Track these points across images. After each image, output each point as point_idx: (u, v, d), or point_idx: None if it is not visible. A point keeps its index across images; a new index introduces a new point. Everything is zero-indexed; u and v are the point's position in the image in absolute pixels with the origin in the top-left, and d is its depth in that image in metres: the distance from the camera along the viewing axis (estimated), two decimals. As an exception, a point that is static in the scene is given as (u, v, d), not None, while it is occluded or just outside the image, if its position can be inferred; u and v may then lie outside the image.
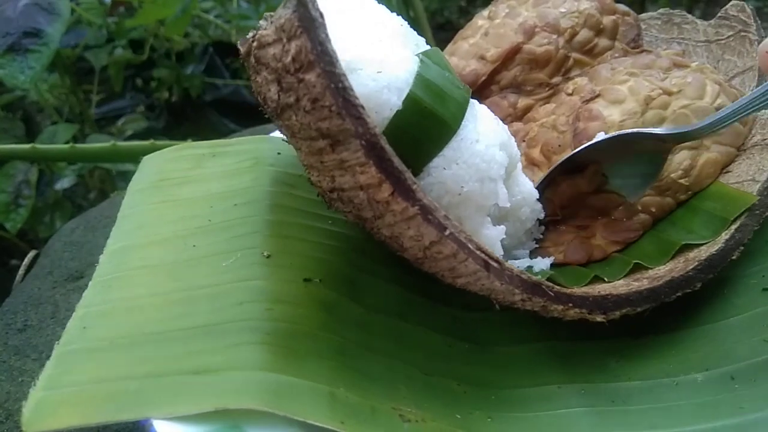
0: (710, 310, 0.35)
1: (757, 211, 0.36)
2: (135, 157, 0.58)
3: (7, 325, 0.45)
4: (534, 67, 0.44)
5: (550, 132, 0.42)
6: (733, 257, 0.34)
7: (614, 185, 0.39)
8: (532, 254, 0.40)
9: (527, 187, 0.38)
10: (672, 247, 0.37)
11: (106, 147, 0.70)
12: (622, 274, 0.36)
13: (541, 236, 0.41)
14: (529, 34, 0.44)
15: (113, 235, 0.37)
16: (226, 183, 0.40)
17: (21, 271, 0.53)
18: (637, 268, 0.37)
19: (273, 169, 0.41)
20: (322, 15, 0.25)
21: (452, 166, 0.32)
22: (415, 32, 0.36)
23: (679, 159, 0.39)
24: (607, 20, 0.45)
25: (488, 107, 0.38)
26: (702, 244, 0.36)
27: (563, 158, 0.40)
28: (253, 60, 0.29)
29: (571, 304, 0.31)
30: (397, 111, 0.30)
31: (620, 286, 0.35)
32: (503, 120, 0.41)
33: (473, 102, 0.35)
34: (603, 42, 0.45)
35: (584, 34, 0.45)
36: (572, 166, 0.40)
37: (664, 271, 0.35)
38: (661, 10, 0.49)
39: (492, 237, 0.34)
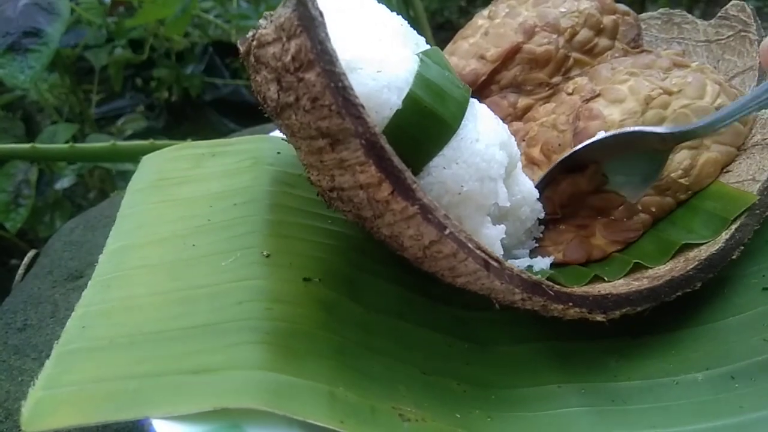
0: (710, 310, 0.35)
1: (758, 211, 0.36)
2: (135, 156, 0.58)
3: (6, 325, 0.45)
4: (534, 67, 0.44)
5: (550, 131, 0.42)
6: (733, 257, 0.34)
7: (614, 185, 0.39)
8: (532, 253, 0.40)
9: (527, 186, 0.38)
10: (672, 247, 0.37)
11: (105, 147, 0.70)
12: (622, 273, 0.36)
13: (541, 235, 0.41)
14: (529, 33, 0.44)
15: (113, 235, 0.37)
16: (226, 182, 0.40)
17: (21, 271, 0.53)
18: (637, 267, 0.37)
19: (273, 169, 0.41)
20: (321, 14, 0.25)
21: (452, 165, 0.32)
22: (415, 32, 0.36)
23: (680, 158, 0.39)
24: (607, 20, 0.45)
25: (488, 107, 0.38)
26: (702, 244, 0.36)
27: (563, 156, 0.40)
28: (252, 59, 0.29)
29: (571, 304, 0.31)
30: (397, 110, 0.30)
31: (620, 285, 0.35)
32: (503, 119, 0.41)
33: (473, 101, 0.35)
34: (603, 42, 0.45)
35: (584, 33, 0.45)
36: (572, 166, 0.40)
37: (664, 271, 0.35)
38: (661, 10, 0.49)
39: (492, 236, 0.34)
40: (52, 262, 0.51)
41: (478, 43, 0.45)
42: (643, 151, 0.38)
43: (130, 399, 0.26)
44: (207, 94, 1.23)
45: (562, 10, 0.45)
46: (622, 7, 0.47)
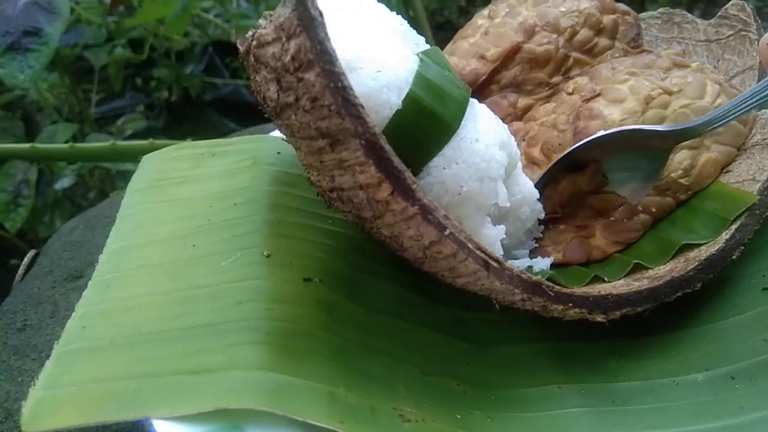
0: (710, 310, 0.35)
1: (758, 211, 0.36)
2: (134, 156, 0.58)
3: (6, 325, 0.45)
4: (534, 67, 0.44)
5: (550, 131, 0.42)
6: (734, 257, 0.34)
7: (615, 185, 0.39)
8: (532, 254, 0.40)
9: (527, 186, 0.38)
10: (672, 247, 0.36)
11: (105, 146, 0.70)
12: (623, 274, 0.36)
13: (541, 235, 0.41)
14: (529, 33, 0.44)
15: (113, 235, 0.37)
16: (226, 182, 0.40)
17: (20, 271, 0.53)
18: (638, 268, 0.37)
19: (272, 169, 0.41)
20: (321, 14, 0.25)
21: (452, 165, 0.32)
22: (415, 31, 0.36)
23: (680, 158, 0.39)
24: (607, 19, 0.45)
25: (488, 107, 0.38)
26: (702, 244, 0.36)
27: (562, 155, 0.40)
28: (252, 59, 0.29)
29: (571, 304, 0.31)
30: (397, 110, 0.30)
31: (620, 286, 0.35)
32: (503, 119, 0.41)
33: (473, 101, 0.35)
34: (603, 41, 0.45)
35: (584, 33, 0.45)
36: (572, 165, 0.40)
37: (664, 271, 0.35)
38: (661, 10, 0.49)
39: (492, 237, 0.34)
40: (52, 262, 0.51)
41: (478, 42, 0.45)
42: (642, 150, 0.38)
43: (131, 399, 0.26)
44: (207, 94, 1.23)
45: (562, 9, 0.45)
46: (622, 6, 0.47)
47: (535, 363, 0.34)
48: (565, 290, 0.32)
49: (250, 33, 0.30)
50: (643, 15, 0.49)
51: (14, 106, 0.99)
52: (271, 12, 0.28)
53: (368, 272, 0.36)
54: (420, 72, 0.32)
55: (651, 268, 0.36)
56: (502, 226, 0.35)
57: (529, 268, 0.38)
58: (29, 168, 0.77)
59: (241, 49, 0.31)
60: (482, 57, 0.45)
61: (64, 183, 0.84)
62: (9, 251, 0.90)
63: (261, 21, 0.29)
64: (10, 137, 0.86)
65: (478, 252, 0.29)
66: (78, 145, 0.72)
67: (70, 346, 0.29)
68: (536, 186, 0.39)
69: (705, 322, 0.35)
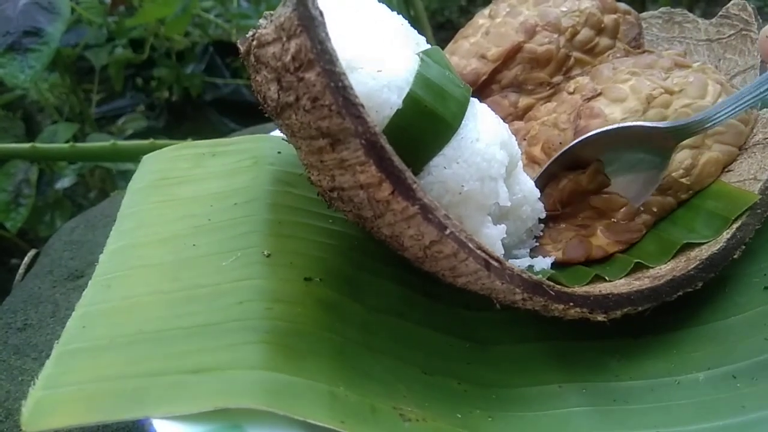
0: (711, 309, 0.35)
1: (759, 210, 0.36)
2: (135, 156, 0.58)
3: (7, 324, 0.45)
4: (535, 66, 0.44)
5: (551, 130, 0.42)
6: (735, 256, 0.34)
7: (617, 187, 0.39)
8: (532, 252, 0.40)
9: (528, 185, 0.38)
10: (673, 247, 0.36)
11: (106, 146, 0.70)
12: (624, 273, 0.36)
13: (541, 234, 0.41)
14: (530, 33, 0.44)
15: (113, 235, 0.37)
16: (226, 182, 0.40)
17: (21, 270, 0.53)
18: (639, 267, 0.36)
19: (273, 168, 0.41)
20: (321, 14, 0.25)
21: (452, 165, 0.32)
22: (416, 31, 0.36)
23: (681, 158, 0.39)
24: (608, 19, 0.45)
25: (489, 106, 0.38)
26: (703, 243, 0.36)
27: (562, 150, 0.39)
28: (252, 59, 0.29)
29: (572, 304, 0.31)
30: (398, 110, 0.30)
31: (621, 285, 0.35)
32: (504, 119, 0.41)
33: (474, 101, 0.35)
34: (604, 41, 0.45)
35: (585, 33, 0.45)
36: (574, 164, 0.40)
37: (665, 270, 0.35)
38: (662, 9, 0.49)
39: (492, 236, 0.34)
40: (52, 262, 0.51)
41: (479, 42, 0.45)
42: (643, 148, 0.38)
43: (131, 399, 0.26)
44: (207, 94, 1.23)
45: (563, 9, 0.45)
46: (623, 6, 0.47)
47: (536, 362, 0.34)
48: (565, 290, 0.32)
49: (250, 33, 0.30)
50: (644, 14, 0.49)
51: (15, 106, 0.99)
52: (272, 12, 0.28)
53: (369, 271, 0.36)
54: (420, 72, 0.32)
55: (652, 268, 0.36)
56: (503, 225, 0.35)
57: (530, 267, 0.38)
58: (30, 168, 0.77)
59: (242, 49, 0.31)
60: (483, 56, 0.44)
61: (64, 183, 0.84)
62: (9, 251, 0.90)
63: (261, 21, 0.29)
64: (11, 137, 0.86)
65: (478, 251, 0.29)
66: (78, 144, 0.72)
67: (70, 346, 0.29)
68: (536, 183, 0.39)
69: (706, 322, 0.35)
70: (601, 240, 0.39)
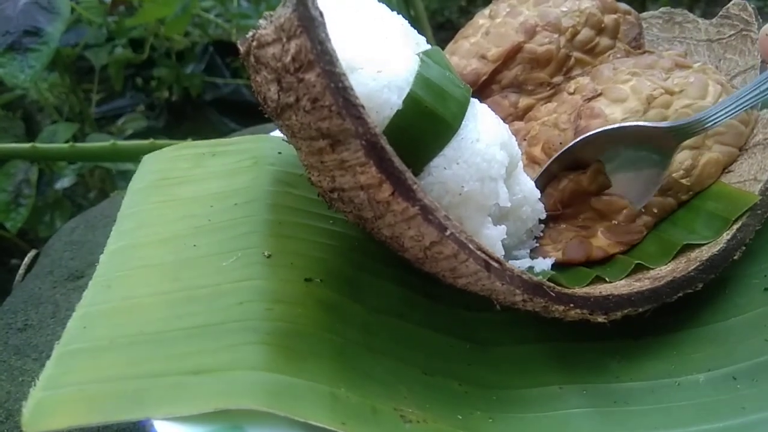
0: (712, 311, 0.35)
1: (759, 211, 0.35)
2: (135, 156, 0.58)
3: (7, 325, 0.45)
4: (535, 67, 0.44)
5: (551, 130, 0.42)
6: (735, 257, 0.34)
7: (618, 188, 0.39)
8: (533, 253, 0.40)
9: (528, 186, 0.38)
10: (673, 248, 0.36)
11: (106, 146, 0.70)
12: (624, 274, 0.36)
13: (542, 234, 0.41)
14: (530, 33, 0.44)
15: (113, 235, 0.37)
16: (226, 182, 0.40)
17: (21, 271, 0.53)
18: (639, 268, 0.36)
19: (273, 169, 0.41)
20: (321, 14, 0.25)
21: (453, 165, 0.32)
22: (416, 31, 0.36)
23: (681, 158, 0.39)
24: (608, 19, 0.45)
25: (489, 106, 0.38)
26: (703, 244, 0.36)
27: (562, 150, 0.39)
28: (252, 59, 0.29)
29: (572, 305, 0.31)
30: (398, 110, 0.30)
31: (622, 286, 0.35)
32: (504, 119, 0.41)
33: (474, 101, 0.35)
34: (604, 41, 0.45)
35: (585, 33, 0.44)
36: (574, 164, 0.40)
37: (665, 272, 0.35)
38: (662, 9, 0.49)
39: (493, 237, 0.34)
40: (52, 262, 0.51)
41: (479, 42, 0.45)
42: (643, 148, 0.38)
43: (131, 399, 0.26)
44: (207, 94, 1.23)
45: (564, 9, 0.45)
46: (623, 6, 0.47)
47: (537, 363, 0.34)
48: (566, 291, 0.32)
49: (250, 33, 0.29)
50: (644, 15, 0.49)
51: (14, 105, 0.99)
52: (272, 12, 0.28)
53: (370, 272, 0.36)
54: (421, 72, 0.31)
55: (652, 269, 0.36)
56: (503, 226, 0.35)
57: (530, 268, 0.38)
58: (30, 168, 0.77)
59: (242, 49, 0.31)
60: (483, 57, 0.44)
61: (64, 183, 0.84)
62: (9, 251, 0.90)
63: (261, 21, 0.29)
64: (11, 137, 0.86)
65: (479, 252, 0.29)
66: (78, 144, 0.72)
67: (70, 346, 0.29)
68: (536, 184, 0.39)
69: (706, 323, 0.35)
70: (602, 241, 0.39)
